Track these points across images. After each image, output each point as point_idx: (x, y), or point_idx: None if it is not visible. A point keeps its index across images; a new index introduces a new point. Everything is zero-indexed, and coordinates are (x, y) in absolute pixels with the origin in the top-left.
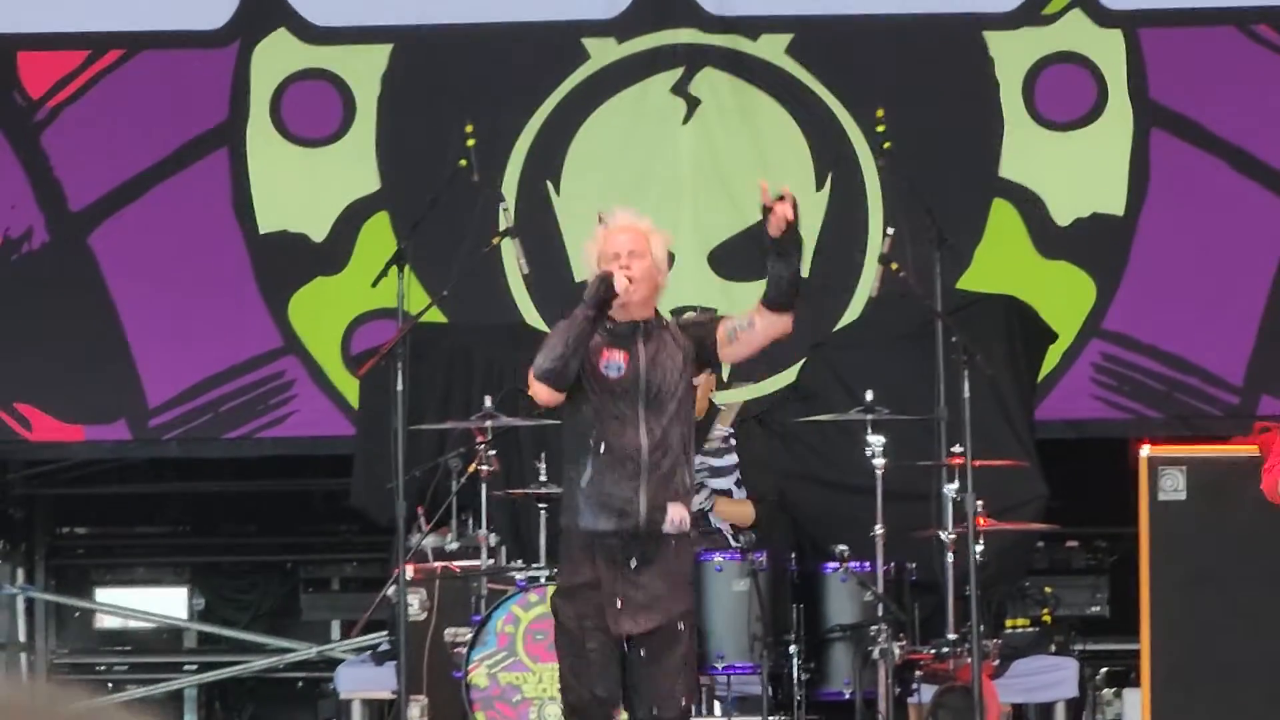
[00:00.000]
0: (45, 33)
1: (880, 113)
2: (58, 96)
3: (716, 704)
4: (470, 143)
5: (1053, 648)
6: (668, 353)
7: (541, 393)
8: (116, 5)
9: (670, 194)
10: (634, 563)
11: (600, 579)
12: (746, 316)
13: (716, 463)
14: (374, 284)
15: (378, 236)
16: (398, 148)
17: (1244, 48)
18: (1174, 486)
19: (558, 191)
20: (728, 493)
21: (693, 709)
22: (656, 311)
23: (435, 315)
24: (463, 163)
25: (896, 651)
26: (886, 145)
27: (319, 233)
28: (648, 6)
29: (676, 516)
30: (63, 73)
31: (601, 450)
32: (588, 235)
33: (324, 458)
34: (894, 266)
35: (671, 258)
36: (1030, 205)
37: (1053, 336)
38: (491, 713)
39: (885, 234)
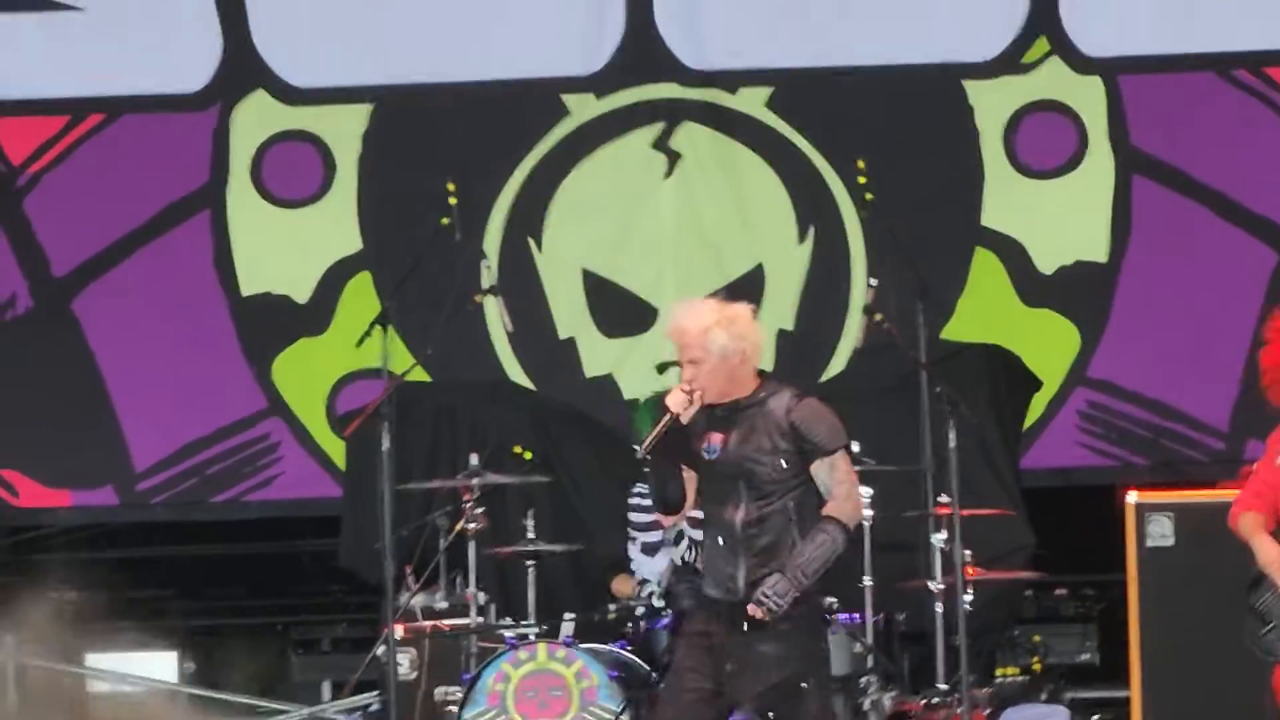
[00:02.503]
0: (25, 99)
1: (861, 164)
2: (39, 162)
3: None
4: (452, 201)
5: (1044, 696)
6: (763, 431)
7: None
8: (96, 70)
9: (652, 249)
10: (745, 625)
11: (712, 632)
12: (826, 501)
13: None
14: (358, 344)
15: (360, 297)
16: (379, 207)
17: (1223, 92)
18: (1162, 533)
19: (540, 248)
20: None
21: None
22: (760, 383)
23: (420, 374)
24: (444, 221)
25: (888, 703)
26: (869, 197)
27: (302, 294)
28: (627, 62)
29: (757, 612)
30: (44, 138)
31: (709, 526)
32: (570, 290)
33: (312, 519)
34: (877, 317)
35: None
36: (1013, 254)
37: (1037, 385)
38: None
39: (868, 285)
